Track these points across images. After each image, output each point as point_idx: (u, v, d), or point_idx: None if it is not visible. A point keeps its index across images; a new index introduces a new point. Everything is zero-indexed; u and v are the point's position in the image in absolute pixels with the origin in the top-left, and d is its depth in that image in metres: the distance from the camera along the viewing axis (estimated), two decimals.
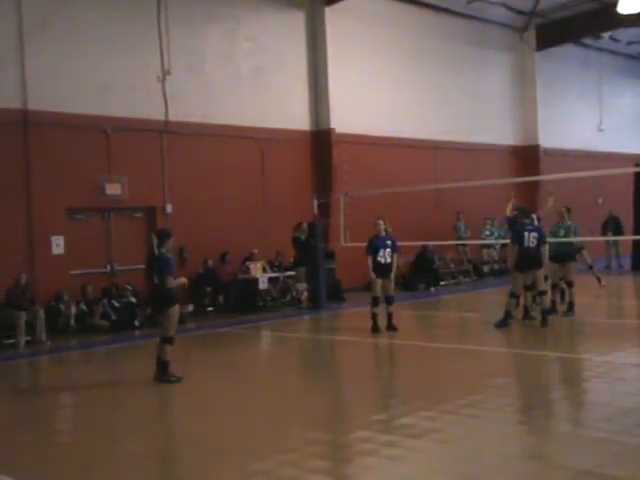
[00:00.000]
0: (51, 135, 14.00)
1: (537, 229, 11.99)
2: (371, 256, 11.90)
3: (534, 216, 12.21)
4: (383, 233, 12.09)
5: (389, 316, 11.93)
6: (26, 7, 13.73)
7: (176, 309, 8.88)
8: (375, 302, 11.94)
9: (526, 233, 11.87)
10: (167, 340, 8.84)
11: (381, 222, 12.12)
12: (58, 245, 14.12)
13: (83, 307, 13.90)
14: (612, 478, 5.18)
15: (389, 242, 12.01)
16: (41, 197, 13.92)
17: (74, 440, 7.01)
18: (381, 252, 11.88)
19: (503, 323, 11.76)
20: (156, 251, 8.91)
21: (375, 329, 11.88)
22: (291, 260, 16.58)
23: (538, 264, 11.85)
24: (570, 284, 12.89)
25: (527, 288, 12.29)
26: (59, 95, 14.03)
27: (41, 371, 11.49)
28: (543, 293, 11.94)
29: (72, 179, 14.29)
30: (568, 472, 5.24)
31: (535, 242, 11.82)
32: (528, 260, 11.81)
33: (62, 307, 13.59)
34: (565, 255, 12.83)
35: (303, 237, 16.01)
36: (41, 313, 12.81)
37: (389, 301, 11.95)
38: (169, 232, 9.18)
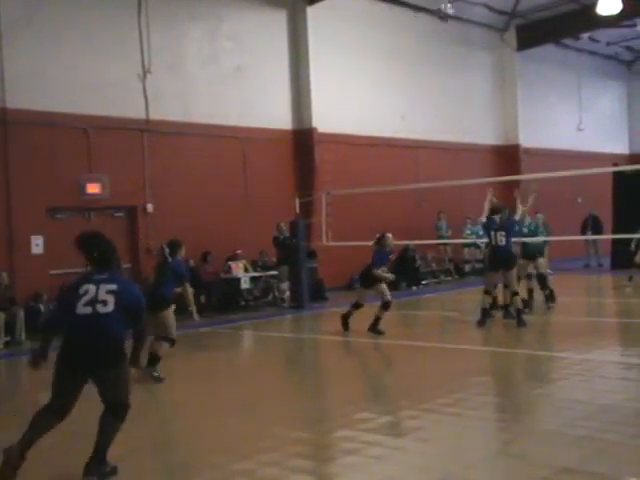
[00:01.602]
0: (31, 134, 13.87)
1: (503, 227, 11.82)
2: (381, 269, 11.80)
3: (496, 217, 12.01)
4: (388, 249, 11.99)
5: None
6: (4, 6, 13.60)
7: (170, 311, 9.05)
8: (358, 307, 11.90)
9: (492, 232, 11.86)
10: (168, 340, 8.99)
11: (390, 236, 11.93)
12: (38, 245, 14.00)
13: None
14: (593, 475, 5.22)
15: (391, 256, 12.10)
16: (20, 196, 13.79)
17: (53, 442, 6.95)
18: (384, 267, 11.89)
19: (482, 321, 11.81)
20: (169, 258, 9.24)
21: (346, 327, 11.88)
22: (274, 260, 16.59)
23: (507, 264, 11.78)
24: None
25: (507, 287, 12.33)
26: (39, 94, 13.91)
27: (20, 372, 11.39)
28: (514, 294, 11.86)
29: (52, 178, 14.17)
30: (550, 469, 5.27)
31: (504, 240, 11.73)
32: (497, 259, 11.83)
33: (42, 307, 13.47)
34: (531, 252, 13.01)
35: (282, 237, 16.04)
36: (21, 313, 12.70)
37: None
38: (180, 242, 9.47)
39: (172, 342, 9.00)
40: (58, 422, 5.50)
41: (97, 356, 5.34)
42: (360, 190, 17.42)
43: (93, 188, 14.67)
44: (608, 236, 20.30)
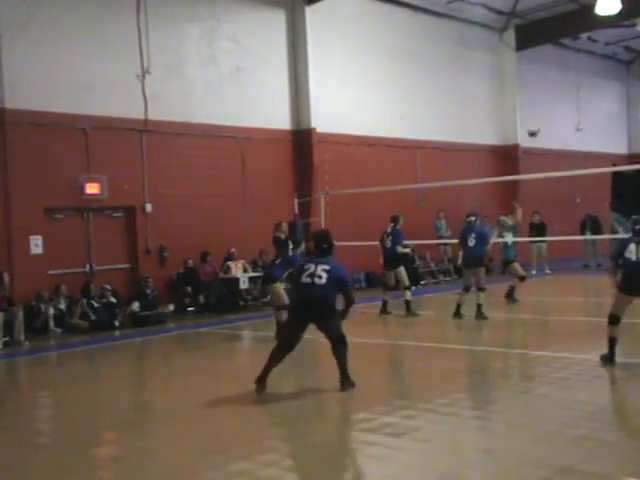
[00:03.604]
0: (30, 134, 13.87)
1: (391, 233, 13.76)
2: None
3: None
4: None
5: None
6: (3, 6, 13.59)
7: (278, 285, 11.37)
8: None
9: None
10: (283, 308, 11.47)
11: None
12: (37, 245, 14.00)
13: (62, 307, 13.79)
14: (591, 474, 5.22)
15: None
16: (19, 196, 13.79)
17: (52, 442, 6.95)
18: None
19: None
20: (290, 252, 11.69)
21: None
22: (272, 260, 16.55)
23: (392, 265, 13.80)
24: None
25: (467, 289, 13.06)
26: (38, 94, 13.91)
27: (19, 372, 11.38)
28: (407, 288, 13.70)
29: (51, 178, 14.16)
30: (549, 469, 5.27)
31: (389, 244, 13.74)
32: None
33: (42, 307, 13.46)
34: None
35: (283, 236, 15.97)
36: (20, 314, 12.69)
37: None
38: (301, 239, 12.65)
39: (284, 307, 10.99)
40: (287, 354, 8.04)
41: (316, 310, 7.89)
42: (359, 190, 17.43)
43: (92, 188, 14.68)
44: (607, 236, 20.30)
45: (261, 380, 7.95)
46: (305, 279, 7.92)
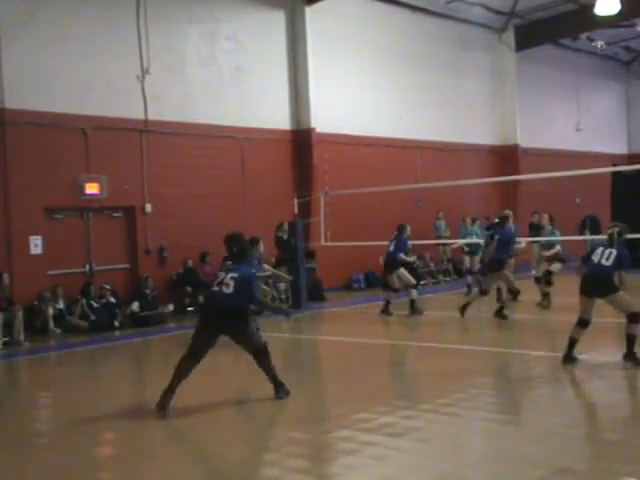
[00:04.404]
0: (29, 134, 13.87)
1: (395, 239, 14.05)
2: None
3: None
4: None
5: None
6: (4, 6, 13.59)
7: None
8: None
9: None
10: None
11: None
12: (36, 245, 14.00)
13: (61, 307, 13.79)
14: (590, 474, 5.24)
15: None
16: (19, 196, 13.79)
17: (52, 442, 6.95)
18: None
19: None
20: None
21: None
22: (273, 260, 16.56)
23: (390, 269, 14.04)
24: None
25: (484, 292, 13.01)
26: (38, 94, 13.91)
27: (19, 372, 11.38)
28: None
29: (50, 178, 14.17)
30: (547, 469, 5.28)
31: (391, 248, 14.02)
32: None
33: (43, 307, 13.45)
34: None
35: (285, 237, 16.03)
36: (19, 314, 12.68)
37: None
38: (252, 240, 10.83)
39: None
40: (193, 367, 7.43)
41: (221, 320, 7.40)
42: (359, 190, 17.43)
43: (92, 188, 14.69)
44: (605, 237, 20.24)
45: (162, 407, 7.16)
46: (215, 287, 7.50)
